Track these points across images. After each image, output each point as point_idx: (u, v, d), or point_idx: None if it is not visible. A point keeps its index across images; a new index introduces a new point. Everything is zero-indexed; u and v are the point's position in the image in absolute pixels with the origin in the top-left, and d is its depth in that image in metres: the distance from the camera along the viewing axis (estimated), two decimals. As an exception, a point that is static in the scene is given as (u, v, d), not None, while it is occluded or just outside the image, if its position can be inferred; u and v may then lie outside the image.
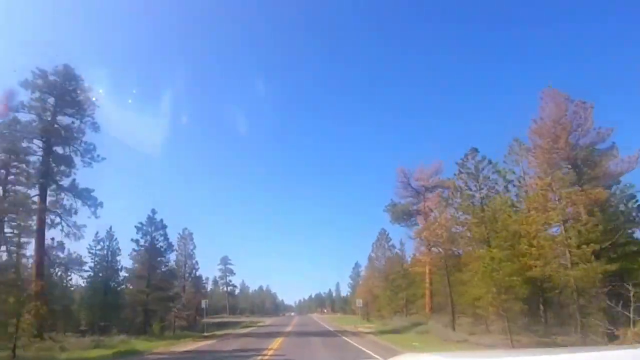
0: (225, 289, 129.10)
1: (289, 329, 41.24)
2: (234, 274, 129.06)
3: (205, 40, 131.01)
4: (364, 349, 20.26)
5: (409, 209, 43.70)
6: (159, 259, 33.32)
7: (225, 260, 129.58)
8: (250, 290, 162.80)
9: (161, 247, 33.53)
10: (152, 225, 33.45)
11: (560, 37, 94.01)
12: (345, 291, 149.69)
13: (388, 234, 73.34)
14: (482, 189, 29.54)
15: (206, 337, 32.34)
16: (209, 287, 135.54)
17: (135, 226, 33.11)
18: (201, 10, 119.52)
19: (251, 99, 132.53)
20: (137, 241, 32.85)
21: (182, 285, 46.71)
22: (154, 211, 33.86)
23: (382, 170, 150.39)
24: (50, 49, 72.78)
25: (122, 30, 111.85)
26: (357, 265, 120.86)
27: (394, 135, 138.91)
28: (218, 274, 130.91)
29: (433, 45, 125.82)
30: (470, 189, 30.07)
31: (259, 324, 61.76)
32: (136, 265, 33.64)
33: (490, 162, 29.91)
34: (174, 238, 47.51)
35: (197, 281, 71.62)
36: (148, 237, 33.04)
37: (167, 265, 33.81)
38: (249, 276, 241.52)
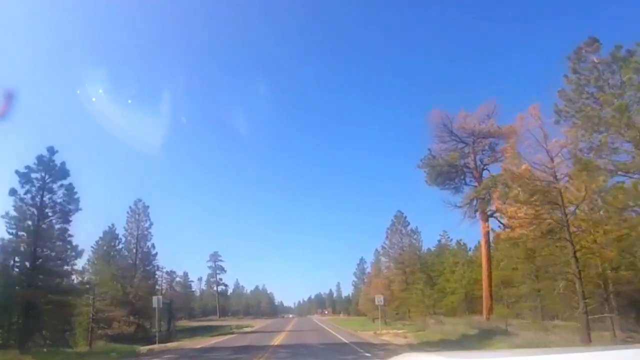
0: (215, 288, 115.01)
1: (279, 338, 27.43)
2: (225, 271, 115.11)
3: (204, 41, 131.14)
4: None
5: (455, 163, 29.90)
6: (53, 224, 19.37)
7: (215, 257, 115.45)
8: (247, 291, 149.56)
9: (60, 204, 19.66)
10: (47, 171, 19.66)
11: None
12: (346, 291, 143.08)
13: (405, 217, 59.90)
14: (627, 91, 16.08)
15: (128, 356, 18.59)
16: (202, 287, 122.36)
17: (15, 171, 19.19)
18: (201, 11, 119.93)
19: (251, 99, 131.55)
20: (14, 193, 18.71)
21: (131, 276, 32.96)
22: (51, 150, 20.03)
23: (384, 168, 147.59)
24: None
25: (122, 30, 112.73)
26: (362, 261, 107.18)
27: (394, 134, 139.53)
28: (208, 272, 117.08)
29: (436, 41, 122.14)
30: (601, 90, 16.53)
31: (244, 329, 47.97)
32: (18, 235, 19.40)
33: (630, 53, 16.35)
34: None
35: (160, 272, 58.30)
36: (35, 187, 19.16)
37: (66, 235, 19.67)
38: (248, 278, 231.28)
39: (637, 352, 2.12)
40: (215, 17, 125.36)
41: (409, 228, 58.55)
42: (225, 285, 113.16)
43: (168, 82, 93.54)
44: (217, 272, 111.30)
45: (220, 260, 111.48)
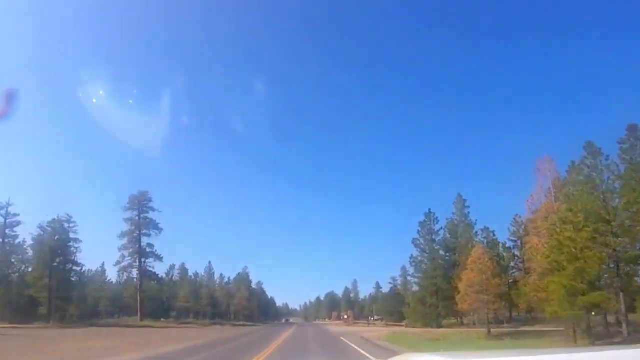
0: (134, 261, 60.18)
1: None
2: (160, 229, 59.96)
3: (204, 40, 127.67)
4: None
5: None
6: None
7: (138, 201, 61.00)
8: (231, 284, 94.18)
9: None
10: None
11: None
12: (364, 290, 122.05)
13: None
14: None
15: None
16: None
17: None
18: (201, 11, 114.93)
19: (251, 98, 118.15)
20: None
21: None
22: None
23: (390, 165, 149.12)
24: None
25: (122, 30, 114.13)
26: (429, 217, 51.56)
27: (394, 132, 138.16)
28: (126, 228, 62.30)
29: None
30: None
31: None
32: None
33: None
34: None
35: None
36: None
37: None
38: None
39: (637, 352, 2.16)
40: (216, 18, 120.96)
41: None
42: (158, 258, 57.02)
43: (168, 82, 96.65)
44: (143, 230, 55.40)
45: (150, 209, 55.41)
